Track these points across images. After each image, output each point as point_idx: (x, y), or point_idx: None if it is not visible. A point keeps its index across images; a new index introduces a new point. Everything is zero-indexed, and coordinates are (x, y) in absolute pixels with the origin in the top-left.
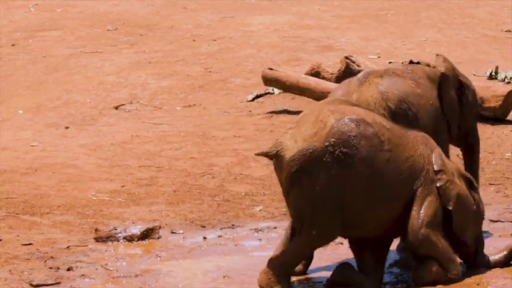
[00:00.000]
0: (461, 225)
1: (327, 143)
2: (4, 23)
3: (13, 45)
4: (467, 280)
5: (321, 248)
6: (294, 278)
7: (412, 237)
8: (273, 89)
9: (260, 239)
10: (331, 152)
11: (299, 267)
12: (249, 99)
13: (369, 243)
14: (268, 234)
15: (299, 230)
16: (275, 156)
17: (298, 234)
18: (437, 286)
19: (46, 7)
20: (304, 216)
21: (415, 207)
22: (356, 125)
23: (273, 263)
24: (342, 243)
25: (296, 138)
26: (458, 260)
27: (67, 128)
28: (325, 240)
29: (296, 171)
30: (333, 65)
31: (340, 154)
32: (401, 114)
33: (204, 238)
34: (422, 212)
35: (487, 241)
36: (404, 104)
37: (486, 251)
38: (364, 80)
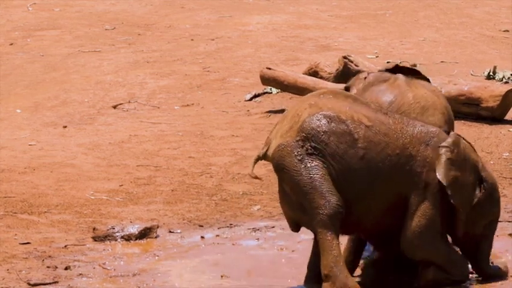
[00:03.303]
0: None
1: (298, 138)
2: (2, 22)
3: (11, 44)
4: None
5: None
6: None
7: (405, 247)
8: (271, 89)
9: (258, 239)
10: (301, 146)
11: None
12: (247, 99)
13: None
14: (266, 234)
15: (309, 225)
16: (264, 157)
17: (312, 229)
18: None
19: (44, 6)
20: (306, 206)
21: (408, 215)
22: (328, 121)
23: (328, 275)
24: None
25: (277, 134)
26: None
27: (65, 127)
28: (333, 216)
29: (277, 168)
30: (331, 64)
31: (310, 148)
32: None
33: (202, 237)
34: (415, 221)
35: None
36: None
37: None
38: (410, 80)
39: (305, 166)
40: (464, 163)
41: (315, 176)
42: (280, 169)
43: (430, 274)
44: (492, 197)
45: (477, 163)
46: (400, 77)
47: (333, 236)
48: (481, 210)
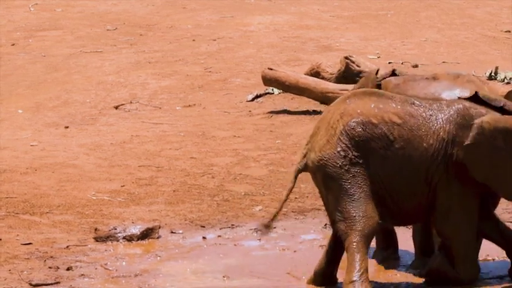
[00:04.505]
0: None
1: (339, 149)
2: (4, 23)
3: (13, 44)
4: None
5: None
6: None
7: (437, 222)
8: (272, 89)
9: (260, 239)
10: (344, 157)
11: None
12: (248, 99)
13: None
14: (267, 234)
15: (344, 233)
16: (304, 169)
17: (347, 237)
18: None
19: (46, 7)
20: (345, 216)
21: (439, 200)
22: (363, 128)
23: (352, 284)
24: None
25: (315, 148)
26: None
27: (67, 127)
28: (371, 230)
29: (322, 180)
30: (332, 65)
31: (353, 157)
32: None
33: (204, 238)
34: (447, 205)
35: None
36: None
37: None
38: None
39: (353, 176)
40: (495, 141)
41: (363, 186)
42: (327, 179)
43: (436, 262)
44: None
45: (507, 127)
46: (463, 73)
47: (364, 250)
48: None
